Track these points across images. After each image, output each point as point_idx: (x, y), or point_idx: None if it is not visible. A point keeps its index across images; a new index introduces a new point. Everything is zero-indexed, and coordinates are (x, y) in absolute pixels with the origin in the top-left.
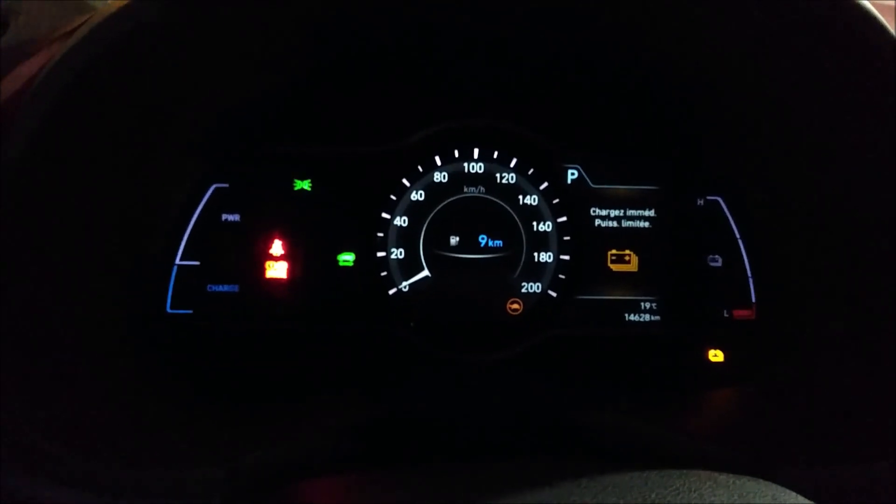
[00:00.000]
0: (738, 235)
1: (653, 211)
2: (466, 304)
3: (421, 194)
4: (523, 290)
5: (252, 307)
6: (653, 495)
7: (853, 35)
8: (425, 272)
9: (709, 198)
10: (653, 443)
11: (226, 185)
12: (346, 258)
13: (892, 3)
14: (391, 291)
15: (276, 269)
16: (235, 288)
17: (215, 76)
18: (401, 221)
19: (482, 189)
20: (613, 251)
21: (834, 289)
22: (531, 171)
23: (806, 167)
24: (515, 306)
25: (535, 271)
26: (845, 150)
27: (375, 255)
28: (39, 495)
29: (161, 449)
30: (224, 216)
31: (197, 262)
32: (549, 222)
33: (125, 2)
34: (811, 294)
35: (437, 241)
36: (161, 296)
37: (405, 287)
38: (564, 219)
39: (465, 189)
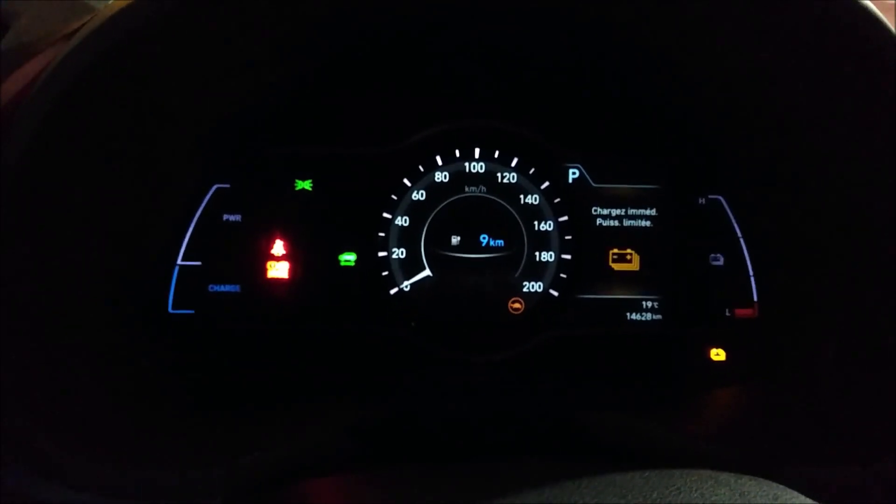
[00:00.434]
0: (739, 234)
1: (654, 210)
2: (468, 304)
3: (422, 194)
4: (525, 290)
5: (253, 307)
6: (654, 495)
7: (855, 34)
8: (427, 272)
9: (710, 197)
10: (654, 442)
11: (227, 186)
12: (348, 258)
13: (893, 2)
14: (392, 291)
15: (278, 270)
16: (237, 288)
17: (216, 77)
18: (402, 221)
19: (483, 189)
20: (615, 250)
21: (835, 288)
22: (532, 170)
23: (807, 166)
24: (517, 306)
25: (537, 271)
26: (847, 149)
27: (377, 254)
28: (40, 496)
29: (162, 449)
30: (225, 216)
31: (198, 263)
32: (550, 221)
33: (126, 3)
34: (813, 293)
35: (438, 241)
36: (163, 296)
37: (406, 287)
38: (566, 218)
39: (467, 189)
